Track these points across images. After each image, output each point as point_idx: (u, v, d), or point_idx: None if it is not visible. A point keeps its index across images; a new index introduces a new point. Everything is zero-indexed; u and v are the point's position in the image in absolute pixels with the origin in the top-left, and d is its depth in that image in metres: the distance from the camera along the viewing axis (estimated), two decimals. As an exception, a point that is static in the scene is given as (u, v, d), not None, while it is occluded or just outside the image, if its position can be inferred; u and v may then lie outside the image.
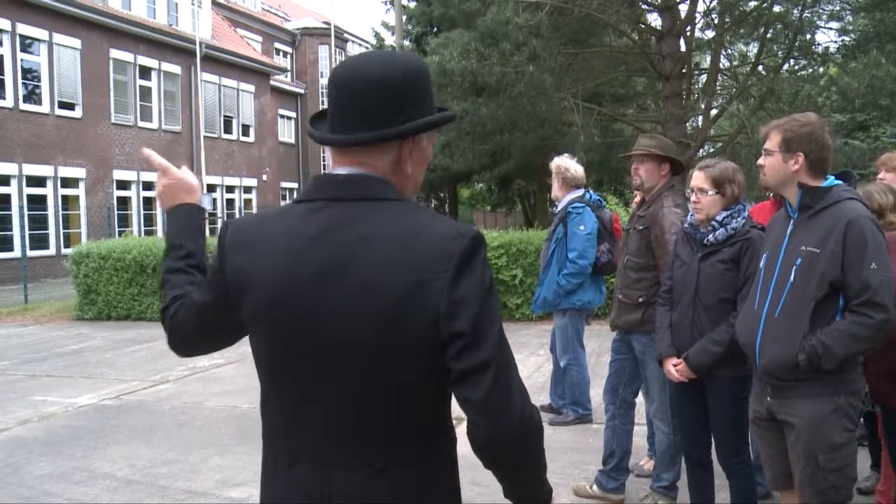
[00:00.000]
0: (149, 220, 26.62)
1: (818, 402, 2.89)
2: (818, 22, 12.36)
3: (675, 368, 3.62)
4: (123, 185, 25.73)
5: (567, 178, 6.01)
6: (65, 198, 23.32)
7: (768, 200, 4.77)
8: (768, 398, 3.05)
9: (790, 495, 3.16)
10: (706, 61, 15.55)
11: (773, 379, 2.98)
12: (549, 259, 6.02)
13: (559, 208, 6.06)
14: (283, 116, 39.39)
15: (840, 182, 3.00)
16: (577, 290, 5.90)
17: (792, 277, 2.91)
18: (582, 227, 5.82)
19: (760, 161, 3.08)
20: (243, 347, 7.17)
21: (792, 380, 2.90)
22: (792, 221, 3.02)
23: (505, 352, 1.53)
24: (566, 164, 6.06)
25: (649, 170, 4.27)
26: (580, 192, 6.02)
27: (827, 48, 12.98)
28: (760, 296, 3.04)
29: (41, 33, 22.36)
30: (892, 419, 3.59)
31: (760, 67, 13.32)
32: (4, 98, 21.27)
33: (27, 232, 17.77)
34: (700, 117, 14.45)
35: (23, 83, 21.95)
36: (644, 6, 13.76)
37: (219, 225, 28.92)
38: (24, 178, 21.72)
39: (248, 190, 33.02)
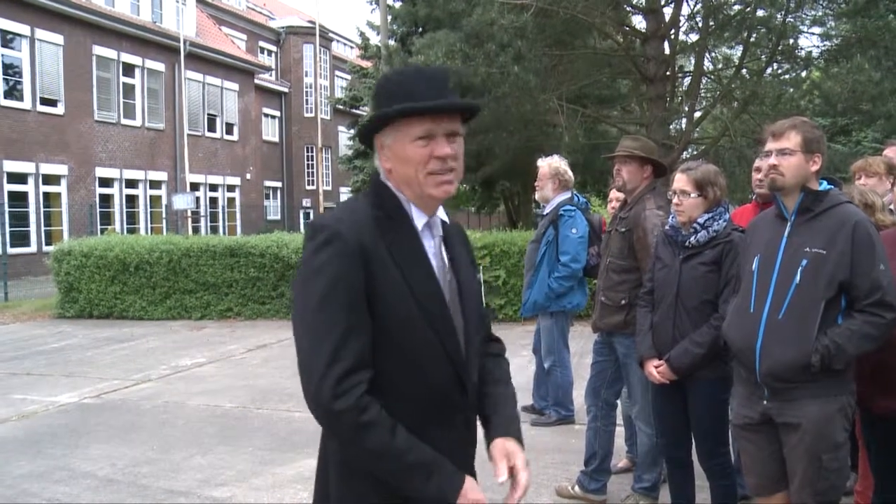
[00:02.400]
0: (131, 218, 26.48)
1: (825, 402, 2.90)
2: (801, 27, 12.43)
3: (656, 370, 3.64)
4: (106, 182, 25.58)
5: (563, 179, 5.98)
6: (46, 195, 23.17)
7: (750, 203, 4.79)
8: (764, 402, 3.02)
9: (773, 500, 3.16)
10: (690, 64, 15.58)
11: (777, 381, 2.95)
12: (538, 262, 5.97)
13: (548, 210, 5.98)
14: (267, 115, 39.24)
15: (832, 186, 3.04)
16: (567, 293, 5.90)
17: (797, 279, 2.91)
18: (574, 231, 5.78)
19: (774, 160, 3.00)
20: (225, 346, 7.20)
21: (798, 381, 2.90)
22: (789, 223, 3.02)
23: (300, 336, 1.75)
24: (562, 165, 6.02)
25: (632, 171, 4.28)
26: (568, 194, 6.00)
27: (810, 52, 13.04)
28: (758, 298, 3.02)
29: (23, 28, 22.18)
30: (871, 420, 3.62)
31: (744, 71, 13.38)
32: (-15, 94, 21.12)
33: (8, 229, 17.59)
34: (684, 120, 14.51)
35: (4, 79, 21.78)
36: (629, 9, 13.79)
37: (202, 223, 28.97)
38: (5, 175, 21.55)
39: (231, 188, 32.92)
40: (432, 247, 1.88)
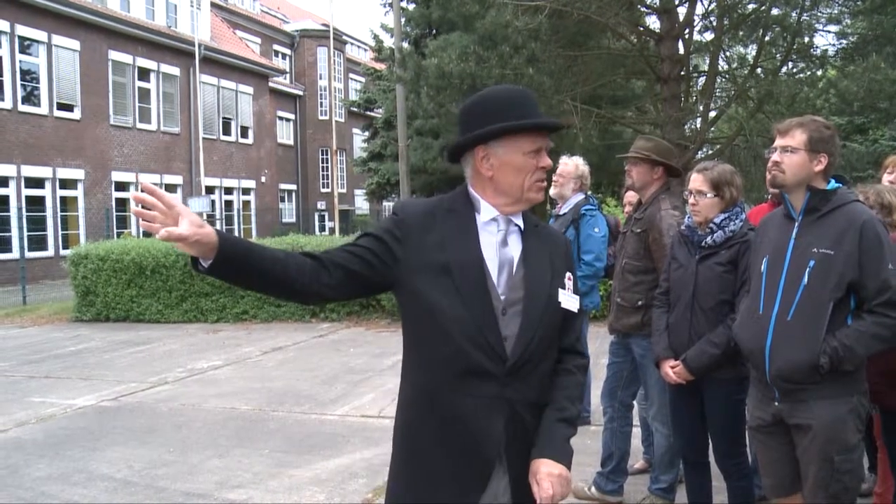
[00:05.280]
0: (147, 222, 26.59)
1: (836, 404, 2.87)
2: (817, 25, 12.35)
3: (672, 370, 3.62)
4: (122, 186, 25.74)
5: (585, 183, 5.93)
6: (63, 199, 23.34)
7: (766, 203, 4.76)
8: (776, 403, 3.00)
9: (791, 500, 3.14)
10: (705, 64, 15.52)
11: (787, 383, 2.93)
12: None
13: (566, 210, 5.88)
14: (281, 118, 39.38)
15: (841, 185, 3.00)
16: (589, 293, 5.86)
17: (805, 279, 2.88)
18: (597, 230, 5.71)
19: (776, 157, 2.99)
20: (241, 349, 7.24)
21: (808, 382, 2.87)
22: (796, 224, 2.99)
23: None
24: (587, 170, 5.97)
25: (641, 172, 4.25)
26: (583, 195, 5.95)
27: (825, 51, 12.94)
28: (766, 299, 3.00)
29: (40, 34, 22.37)
30: (891, 420, 3.60)
31: (759, 70, 13.28)
32: (3, 99, 21.30)
33: (25, 233, 17.76)
34: (698, 119, 14.42)
35: (21, 84, 21.96)
36: (643, 9, 13.72)
37: (218, 227, 29.05)
38: (23, 180, 21.73)
39: (246, 191, 33.04)
40: (494, 237, 2.12)
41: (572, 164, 5.89)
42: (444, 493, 2.04)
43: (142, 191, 1.79)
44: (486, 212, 2.13)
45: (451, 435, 2.04)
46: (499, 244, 2.12)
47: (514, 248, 2.14)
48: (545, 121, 2.16)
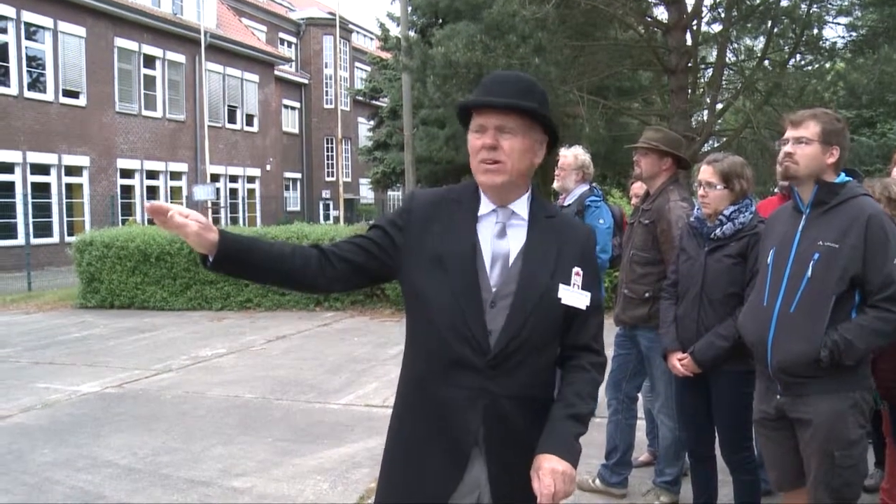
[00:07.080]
0: (152, 209, 26.62)
1: (835, 399, 2.85)
2: (826, 17, 12.27)
3: (680, 363, 3.60)
4: (127, 173, 25.75)
5: (587, 173, 5.88)
6: (68, 186, 23.36)
7: (774, 196, 4.73)
8: (778, 396, 2.99)
9: (796, 495, 3.12)
10: (712, 55, 15.43)
11: (787, 376, 2.92)
12: None
13: (570, 202, 5.82)
14: (287, 106, 39.33)
15: (851, 179, 2.98)
16: None
17: (809, 272, 2.86)
18: (602, 221, 5.65)
19: (789, 148, 2.96)
20: (245, 337, 7.22)
21: (809, 376, 2.86)
22: (804, 216, 2.97)
23: None
24: (588, 159, 5.92)
25: (649, 162, 4.23)
26: (587, 186, 5.90)
27: (834, 43, 12.89)
28: (771, 291, 2.98)
29: (46, 21, 22.34)
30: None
31: (767, 62, 13.24)
32: (9, 86, 21.29)
33: (31, 220, 17.77)
34: (705, 111, 14.37)
35: (27, 71, 21.95)
36: (650, -1, 13.70)
37: (222, 215, 29.11)
38: (29, 166, 21.74)
39: (251, 180, 33.04)
40: (491, 229, 2.09)
41: (571, 155, 5.82)
42: (424, 481, 2.06)
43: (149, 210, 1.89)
44: (485, 203, 2.11)
45: (431, 424, 2.05)
46: (494, 236, 2.08)
47: (514, 241, 2.08)
48: (474, 99, 2.06)
